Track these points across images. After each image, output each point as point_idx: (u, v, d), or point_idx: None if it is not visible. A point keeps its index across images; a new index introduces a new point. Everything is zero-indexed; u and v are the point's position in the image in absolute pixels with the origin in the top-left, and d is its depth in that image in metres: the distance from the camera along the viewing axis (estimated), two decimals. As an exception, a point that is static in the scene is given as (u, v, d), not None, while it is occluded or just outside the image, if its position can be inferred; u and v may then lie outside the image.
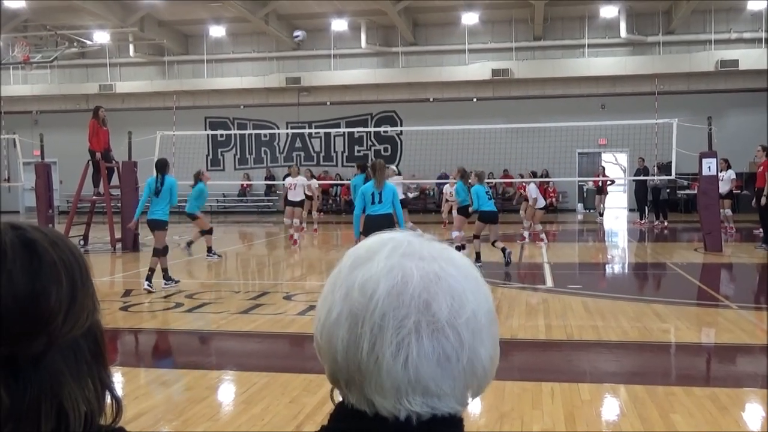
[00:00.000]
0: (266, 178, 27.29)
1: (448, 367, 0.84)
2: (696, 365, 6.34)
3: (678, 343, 7.01)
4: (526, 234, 15.71)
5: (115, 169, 15.61)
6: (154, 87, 28.81)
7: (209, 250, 13.28)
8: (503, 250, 11.58)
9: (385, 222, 8.49)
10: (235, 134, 28.37)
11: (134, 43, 27.62)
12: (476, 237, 12.09)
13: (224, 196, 28.62)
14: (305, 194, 17.17)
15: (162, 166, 10.30)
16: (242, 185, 28.33)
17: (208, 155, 29.15)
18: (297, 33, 17.11)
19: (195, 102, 28.98)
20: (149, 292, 9.60)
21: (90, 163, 15.45)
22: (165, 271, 10.11)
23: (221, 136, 28.68)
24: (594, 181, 23.10)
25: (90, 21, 24.80)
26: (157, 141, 17.41)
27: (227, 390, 5.56)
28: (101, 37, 25.83)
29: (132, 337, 7.62)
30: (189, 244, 13.52)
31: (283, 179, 18.33)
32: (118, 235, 15.00)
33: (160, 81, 29.03)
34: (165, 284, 10.05)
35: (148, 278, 9.79)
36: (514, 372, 5.96)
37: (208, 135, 28.37)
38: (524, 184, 16.97)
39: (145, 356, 7.08)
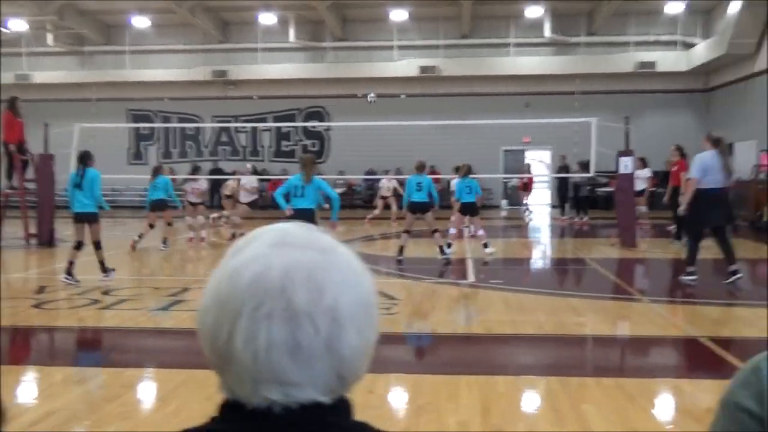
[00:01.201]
0: (191, 172, 26.74)
1: (301, 356, 0.84)
2: (607, 357, 6.55)
3: (591, 335, 7.23)
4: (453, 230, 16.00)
5: (30, 161, 15.07)
6: (73, 78, 27.90)
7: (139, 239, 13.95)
8: (485, 245, 12.47)
9: (304, 216, 8.59)
10: (159, 127, 27.73)
11: (53, 32, 26.66)
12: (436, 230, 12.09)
13: (146, 191, 27.72)
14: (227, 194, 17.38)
15: (84, 158, 10.02)
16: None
17: (129, 149, 28.44)
18: (371, 95, 17.34)
19: (117, 94, 28.20)
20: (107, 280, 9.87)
21: (3, 155, 14.87)
22: (71, 264, 9.76)
23: (144, 129, 28.01)
24: (520, 179, 23.56)
25: (6, 8, 23.81)
26: (75, 133, 16.87)
27: (142, 388, 5.44)
28: (18, 25, 24.86)
29: (45, 335, 7.38)
30: (164, 241, 14.23)
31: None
32: (33, 230, 14.49)
33: (80, 72, 28.14)
34: (104, 276, 10.00)
35: (103, 270, 9.99)
36: (432, 366, 6.05)
37: (130, 128, 27.65)
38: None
39: (58, 354, 6.86)
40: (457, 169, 13.72)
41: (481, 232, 13.06)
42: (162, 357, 6.44)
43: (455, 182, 12.64)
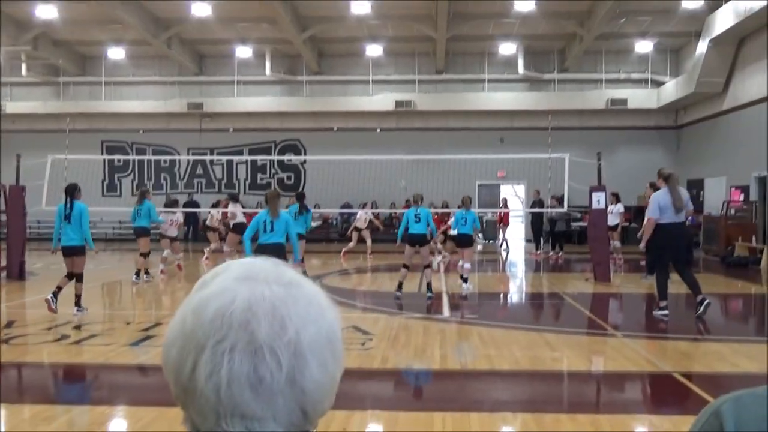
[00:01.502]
0: (165, 205, 26.52)
1: (262, 389, 0.83)
2: (582, 392, 6.55)
3: (566, 371, 7.24)
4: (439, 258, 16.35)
5: (2, 193, 14.89)
6: (47, 108, 27.68)
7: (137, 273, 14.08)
8: (465, 279, 12.51)
9: (275, 251, 8.52)
10: (134, 159, 27.55)
11: (27, 62, 26.53)
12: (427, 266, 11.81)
13: (120, 224, 27.43)
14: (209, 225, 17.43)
15: (71, 191, 10.17)
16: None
17: (104, 180, 28.20)
18: (402, 182, 17.77)
19: (91, 125, 28.03)
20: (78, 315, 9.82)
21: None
22: (78, 297, 10.04)
23: (119, 161, 27.79)
24: (498, 213, 23.72)
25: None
26: (47, 165, 16.72)
27: (112, 426, 5.34)
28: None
29: (14, 371, 7.21)
30: (146, 273, 14.17)
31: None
32: (2, 262, 14.26)
33: (54, 102, 27.96)
34: (77, 311, 9.96)
35: (77, 303, 9.97)
36: (406, 402, 6.01)
37: (105, 160, 27.43)
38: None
39: (26, 392, 6.70)
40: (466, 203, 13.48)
41: (467, 266, 12.95)
42: (133, 394, 6.33)
43: (455, 213, 12.73)
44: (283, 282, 0.90)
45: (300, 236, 12.63)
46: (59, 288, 9.92)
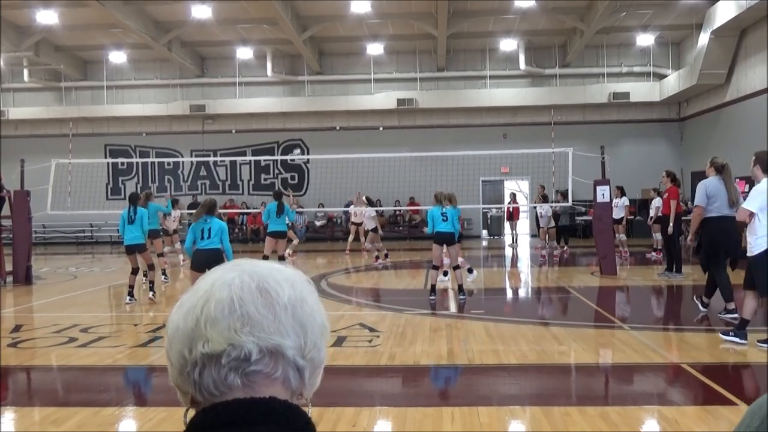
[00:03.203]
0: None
1: (268, 300, 0.95)
2: (590, 385, 6.54)
3: (574, 364, 7.23)
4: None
5: (7, 198, 14.92)
6: (50, 113, 27.76)
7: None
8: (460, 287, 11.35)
9: (212, 256, 8.95)
10: (137, 162, 27.61)
11: (29, 68, 26.58)
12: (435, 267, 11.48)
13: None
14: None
15: (134, 199, 11.62)
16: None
17: (108, 184, 28.26)
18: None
19: (94, 129, 28.12)
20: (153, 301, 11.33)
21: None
22: (152, 283, 11.67)
23: (122, 164, 27.87)
24: (507, 208, 23.75)
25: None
26: (51, 169, 16.76)
27: (122, 427, 5.35)
28: (-7, 62, 24.75)
29: (22, 374, 7.24)
30: (163, 274, 14.11)
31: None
32: (9, 267, 14.29)
33: (57, 107, 28.01)
34: (129, 300, 11.09)
35: (151, 288, 11.51)
36: (414, 398, 6.00)
37: (108, 163, 27.51)
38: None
39: (35, 394, 6.72)
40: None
41: (461, 260, 12.70)
42: (141, 395, 6.34)
43: (430, 209, 11.81)
44: (248, 270, 1.00)
45: (283, 233, 13.93)
46: (151, 282, 11.61)
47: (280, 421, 0.90)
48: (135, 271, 11.38)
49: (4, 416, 5.56)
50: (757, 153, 7.76)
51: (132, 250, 11.48)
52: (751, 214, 7.31)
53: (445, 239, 11.25)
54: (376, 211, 19.61)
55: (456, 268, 11.43)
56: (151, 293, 11.61)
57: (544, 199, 20.76)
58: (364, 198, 19.29)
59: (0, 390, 6.61)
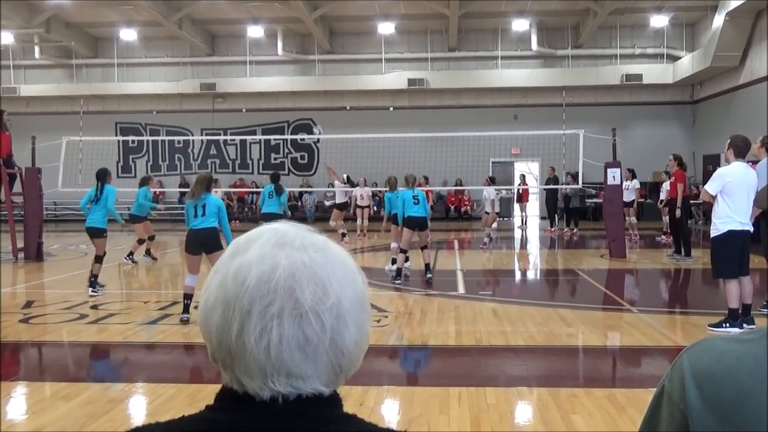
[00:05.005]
0: (180, 186, 26.68)
1: (309, 350, 0.90)
2: (597, 367, 6.55)
3: (581, 346, 7.24)
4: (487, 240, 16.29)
5: (18, 175, 15.00)
6: (60, 90, 27.78)
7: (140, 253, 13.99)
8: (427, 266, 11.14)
9: (206, 236, 8.08)
10: (148, 140, 27.64)
11: (40, 45, 26.59)
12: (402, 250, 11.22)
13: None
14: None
15: (102, 175, 10.43)
16: (155, 192, 27.58)
17: (118, 162, 28.32)
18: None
19: (105, 107, 28.15)
20: (94, 296, 9.86)
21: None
22: (95, 277, 10.15)
23: (133, 142, 27.89)
24: (517, 190, 23.68)
25: (-8, 21, 23.74)
26: (62, 147, 16.81)
27: (131, 403, 5.41)
28: (4, 38, 24.76)
29: (33, 350, 7.31)
30: (129, 255, 13.97)
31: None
32: (20, 244, 14.40)
33: (68, 84, 28.03)
34: (92, 291, 10.03)
35: (92, 285, 10.03)
36: (422, 378, 6.04)
37: (119, 141, 27.56)
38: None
39: (46, 369, 6.80)
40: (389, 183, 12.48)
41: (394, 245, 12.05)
42: (151, 371, 6.40)
43: (401, 192, 11.34)
44: (318, 248, 0.95)
45: (278, 215, 12.43)
46: (95, 276, 10.13)
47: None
48: (99, 259, 10.12)
49: (16, 390, 5.63)
50: (732, 137, 7.64)
51: (90, 233, 10.27)
52: (713, 197, 7.20)
53: (417, 224, 11.04)
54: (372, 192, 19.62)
55: (424, 248, 11.23)
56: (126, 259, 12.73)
57: (555, 180, 20.73)
58: (344, 176, 19.46)
59: (12, 365, 6.69)
